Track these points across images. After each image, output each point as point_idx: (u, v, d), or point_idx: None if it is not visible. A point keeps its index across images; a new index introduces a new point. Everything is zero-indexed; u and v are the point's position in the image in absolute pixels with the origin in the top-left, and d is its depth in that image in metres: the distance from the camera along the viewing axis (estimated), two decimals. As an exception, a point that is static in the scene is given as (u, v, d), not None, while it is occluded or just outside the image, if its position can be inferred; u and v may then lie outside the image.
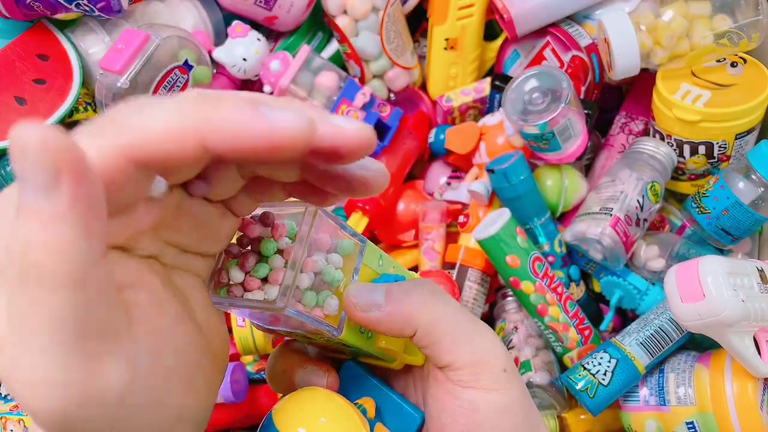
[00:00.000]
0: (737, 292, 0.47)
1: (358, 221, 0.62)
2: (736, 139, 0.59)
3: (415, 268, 0.66)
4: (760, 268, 0.51)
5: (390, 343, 0.29)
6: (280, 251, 0.25)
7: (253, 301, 0.24)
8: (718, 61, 0.60)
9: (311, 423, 0.25)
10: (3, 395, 0.65)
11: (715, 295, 0.47)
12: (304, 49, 0.62)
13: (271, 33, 0.70)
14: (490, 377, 0.27)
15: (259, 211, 0.26)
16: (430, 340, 0.26)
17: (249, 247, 0.26)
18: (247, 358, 0.64)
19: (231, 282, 0.25)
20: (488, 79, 0.68)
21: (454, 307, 0.27)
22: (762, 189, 0.57)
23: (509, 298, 0.65)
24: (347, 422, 0.26)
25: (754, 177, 0.57)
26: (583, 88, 0.65)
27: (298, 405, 0.26)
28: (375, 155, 0.65)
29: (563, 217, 0.66)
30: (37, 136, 0.16)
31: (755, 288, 0.49)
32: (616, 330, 0.63)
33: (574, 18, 0.66)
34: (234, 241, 0.26)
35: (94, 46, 0.61)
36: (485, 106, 0.69)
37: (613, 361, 0.56)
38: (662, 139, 0.62)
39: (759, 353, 0.50)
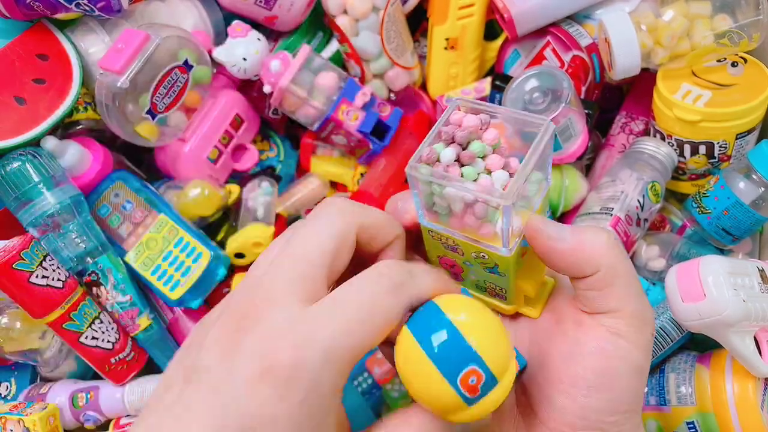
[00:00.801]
0: (738, 291, 0.47)
1: None
2: (736, 138, 0.59)
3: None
4: (760, 268, 0.51)
5: (528, 286, 0.31)
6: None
7: (468, 185, 0.27)
8: (719, 60, 0.60)
9: (472, 309, 0.27)
10: (2, 395, 0.65)
11: (716, 294, 0.47)
12: (305, 49, 0.62)
13: (271, 33, 0.70)
14: (643, 336, 0.28)
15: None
16: (606, 282, 0.28)
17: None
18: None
19: (440, 160, 0.27)
20: (488, 79, 0.68)
21: (629, 260, 0.29)
22: (762, 189, 0.57)
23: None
24: (496, 319, 0.27)
25: (754, 177, 0.57)
26: (583, 88, 0.65)
27: (458, 299, 0.28)
28: (375, 155, 0.65)
29: (564, 217, 0.66)
30: None
31: (756, 288, 0.49)
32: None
33: (574, 18, 0.66)
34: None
35: (94, 46, 0.61)
36: (485, 106, 0.69)
37: (614, 361, 0.56)
38: (663, 139, 0.62)
39: (759, 353, 0.50)
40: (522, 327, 0.32)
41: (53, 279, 0.57)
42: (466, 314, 0.26)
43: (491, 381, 0.25)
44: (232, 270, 0.64)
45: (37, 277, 0.55)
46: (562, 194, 0.63)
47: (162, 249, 0.61)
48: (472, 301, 0.28)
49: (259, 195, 0.67)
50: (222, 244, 0.64)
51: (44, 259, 0.56)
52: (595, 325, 0.28)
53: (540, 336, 0.31)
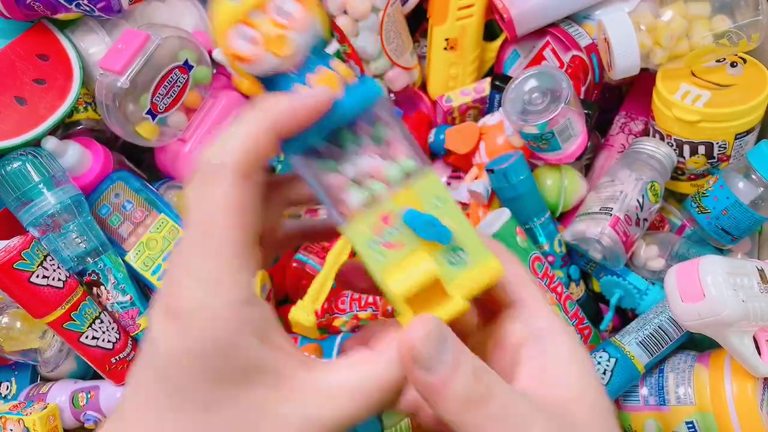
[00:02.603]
0: (737, 291, 0.47)
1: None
2: (735, 139, 0.59)
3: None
4: (760, 268, 0.51)
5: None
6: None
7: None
8: (718, 61, 0.60)
9: None
10: (3, 395, 0.65)
11: (715, 294, 0.47)
12: (304, 49, 0.62)
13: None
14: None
15: None
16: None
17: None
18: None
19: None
20: (488, 79, 0.68)
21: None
22: (762, 189, 0.57)
23: (509, 298, 0.65)
24: None
25: (753, 177, 0.57)
26: (582, 88, 0.65)
27: None
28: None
29: (563, 217, 0.66)
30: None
31: (755, 288, 0.49)
32: (616, 330, 0.63)
33: (573, 18, 0.66)
34: None
35: (94, 46, 0.61)
36: (485, 106, 0.69)
37: (612, 360, 0.56)
38: (662, 139, 0.62)
39: (759, 353, 0.50)
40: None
41: (54, 279, 0.57)
42: None
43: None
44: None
45: (37, 276, 0.56)
46: (561, 194, 0.63)
47: (162, 249, 0.61)
48: None
49: (259, 195, 0.67)
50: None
51: (45, 259, 0.56)
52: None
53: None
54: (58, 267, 0.57)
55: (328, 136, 0.27)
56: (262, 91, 0.28)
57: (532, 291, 0.28)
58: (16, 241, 0.56)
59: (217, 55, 0.63)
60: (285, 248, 0.31)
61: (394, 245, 0.26)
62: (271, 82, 0.28)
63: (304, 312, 0.68)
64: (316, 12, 0.28)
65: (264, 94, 0.28)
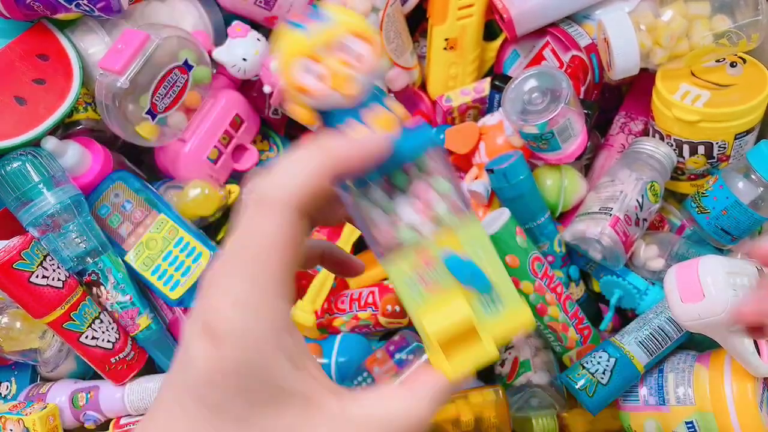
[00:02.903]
0: (737, 292, 0.47)
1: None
2: (735, 139, 0.59)
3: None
4: (759, 268, 0.51)
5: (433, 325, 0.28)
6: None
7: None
8: (718, 61, 0.60)
9: None
10: (2, 395, 0.65)
11: (715, 294, 0.47)
12: (304, 49, 0.62)
13: (271, 33, 0.70)
14: None
15: None
16: None
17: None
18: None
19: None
20: (488, 79, 0.68)
21: None
22: (761, 189, 0.57)
23: (509, 298, 0.65)
24: None
25: (753, 177, 0.57)
26: (582, 88, 0.65)
27: None
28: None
29: (563, 217, 0.66)
30: None
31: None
32: (616, 330, 0.63)
33: (573, 18, 0.66)
34: None
35: (94, 46, 0.61)
36: (485, 106, 0.69)
37: (612, 360, 0.56)
38: (662, 139, 0.62)
39: (758, 353, 0.50)
40: None
41: (53, 279, 0.57)
42: None
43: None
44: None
45: (37, 276, 0.56)
46: (561, 194, 0.63)
47: (162, 249, 0.61)
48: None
49: (259, 195, 0.67)
50: (222, 244, 0.64)
51: (44, 259, 0.56)
52: None
53: None
54: (58, 267, 0.57)
55: (379, 173, 0.28)
56: (317, 121, 0.29)
57: None
58: (15, 241, 0.56)
59: (218, 55, 0.63)
60: (305, 269, 0.31)
61: (433, 287, 0.27)
62: (327, 113, 0.29)
63: (303, 312, 0.68)
64: (382, 54, 0.28)
65: (320, 127, 0.29)
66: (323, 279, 0.62)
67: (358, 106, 0.29)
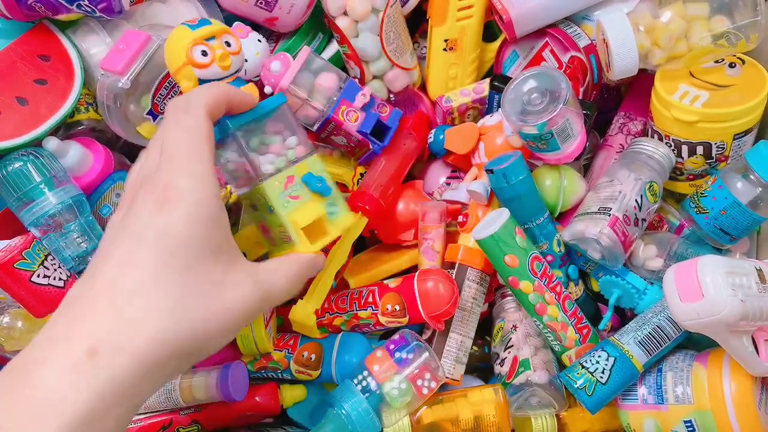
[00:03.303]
0: (736, 291, 0.48)
1: (359, 221, 0.62)
2: (734, 139, 0.59)
3: (414, 268, 0.66)
4: (758, 268, 0.51)
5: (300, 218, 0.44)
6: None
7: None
8: (717, 61, 0.60)
9: None
10: (4, 394, 0.65)
11: (714, 294, 0.48)
12: (305, 50, 0.63)
13: (271, 34, 0.70)
14: None
15: None
16: None
17: None
18: (247, 357, 0.65)
19: None
20: (487, 80, 0.68)
21: None
22: (760, 189, 0.57)
23: (508, 298, 0.65)
24: None
25: (752, 177, 0.57)
26: (581, 89, 0.66)
27: None
28: (375, 155, 0.65)
29: (562, 217, 0.66)
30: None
31: (754, 287, 0.49)
32: (615, 329, 0.64)
33: (572, 19, 0.66)
34: None
35: (95, 47, 0.62)
36: (484, 107, 0.69)
37: (611, 360, 0.56)
38: (660, 139, 0.62)
39: (757, 352, 0.51)
40: None
41: (54, 278, 0.57)
42: None
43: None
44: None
45: (38, 276, 0.56)
46: (560, 194, 0.63)
47: (163, 249, 0.61)
48: None
49: (259, 195, 0.67)
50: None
51: (46, 259, 0.56)
52: None
53: None
54: (59, 267, 0.58)
55: (250, 124, 0.44)
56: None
57: None
58: (17, 240, 0.56)
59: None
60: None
61: (295, 197, 0.44)
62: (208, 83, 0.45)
63: (304, 311, 0.69)
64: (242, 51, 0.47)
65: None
66: (323, 279, 0.62)
67: (232, 82, 0.46)
